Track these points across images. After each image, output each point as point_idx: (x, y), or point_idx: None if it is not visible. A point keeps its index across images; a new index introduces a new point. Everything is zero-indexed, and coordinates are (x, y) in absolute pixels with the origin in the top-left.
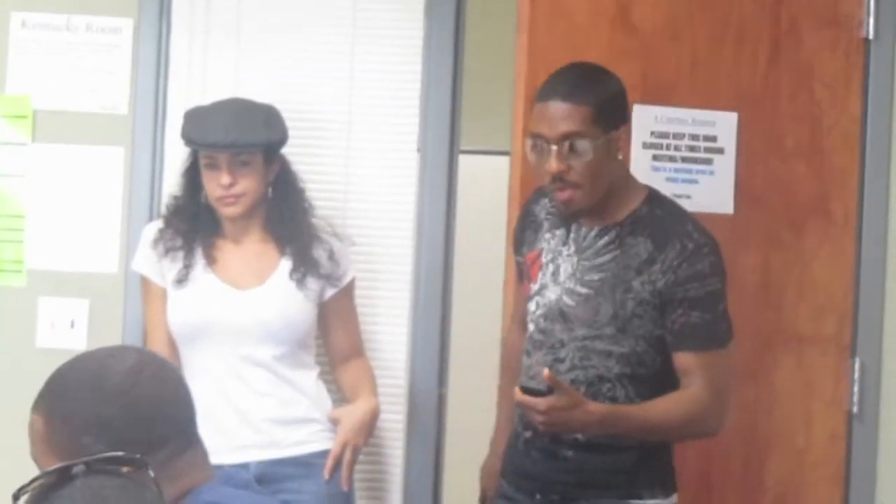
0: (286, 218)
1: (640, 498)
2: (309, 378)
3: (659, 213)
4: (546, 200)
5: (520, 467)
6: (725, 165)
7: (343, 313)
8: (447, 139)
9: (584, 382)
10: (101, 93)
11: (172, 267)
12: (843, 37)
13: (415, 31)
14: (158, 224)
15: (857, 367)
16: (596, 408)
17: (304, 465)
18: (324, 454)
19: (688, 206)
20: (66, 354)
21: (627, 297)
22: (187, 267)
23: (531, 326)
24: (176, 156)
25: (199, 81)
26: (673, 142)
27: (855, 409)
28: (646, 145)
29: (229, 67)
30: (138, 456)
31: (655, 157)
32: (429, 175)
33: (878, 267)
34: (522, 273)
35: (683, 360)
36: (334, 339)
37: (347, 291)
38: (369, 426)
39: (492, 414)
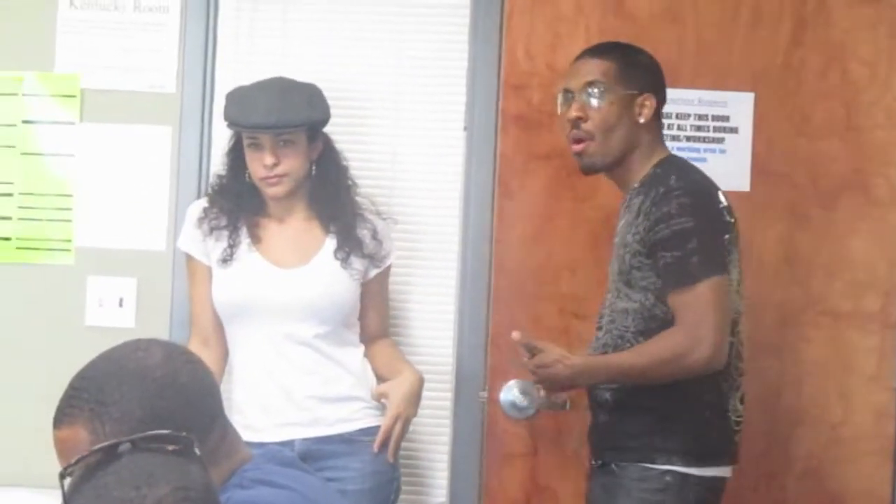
0: (330, 196)
1: (653, 462)
2: (354, 356)
3: (659, 171)
4: None
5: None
6: (740, 144)
7: (380, 294)
8: (493, 118)
9: (611, 346)
10: (149, 72)
11: (217, 246)
12: (887, 15)
13: (461, 10)
14: (203, 203)
15: None
16: (576, 360)
17: (349, 442)
18: (368, 431)
19: None
20: (115, 332)
21: (625, 252)
22: (232, 246)
23: None
24: (223, 135)
25: (246, 60)
26: (676, 122)
27: None
28: None
29: (276, 46)
30: (184, 434)
31: None
32: (475, 154)
33: None
34: None
35: (670, 302)
36: (367, 319)
37: (386, 274)
38: (418, 396)
39: None
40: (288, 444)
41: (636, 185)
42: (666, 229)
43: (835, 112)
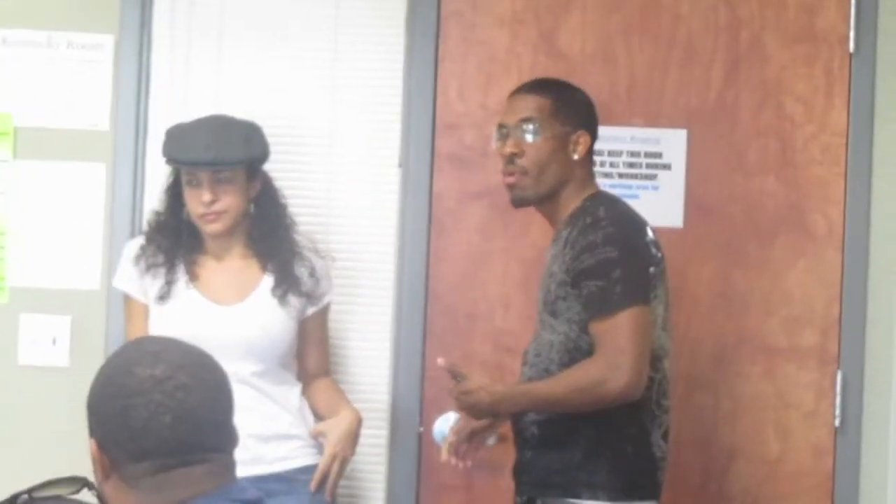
0: (268, 234)
1: (579, 497)
2: (292, 394)
3: (588, 204)
4: None
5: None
6: (673, 181)
7: (319, 332)
8: (428, 155)
9: (536, 379)
10: (83, 109)
11: (154, 283)
12: (824, 51)
13: (396, 47)
14: (140, 241)
15: (839, 379)
16: (497, 388)
17: (288, 481)
18: (307, 470)
19: None
20: (48, 371)
21: (551, 282)
22: (169, 283)
23: None
24: (157, 172)
25: (180, 97)
26: (609, 159)
27: (837, 423)
28: None
29: (210, 83)
30: (77, 476)
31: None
32: (410, 191)
33: (859, 278)
34: None
35: (591, 331)
36: (307, 358)
37: (324, 312)
38: (356, 436)
39: None
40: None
41: (566, 219)
42: (591, 258)
43: (770, 148)
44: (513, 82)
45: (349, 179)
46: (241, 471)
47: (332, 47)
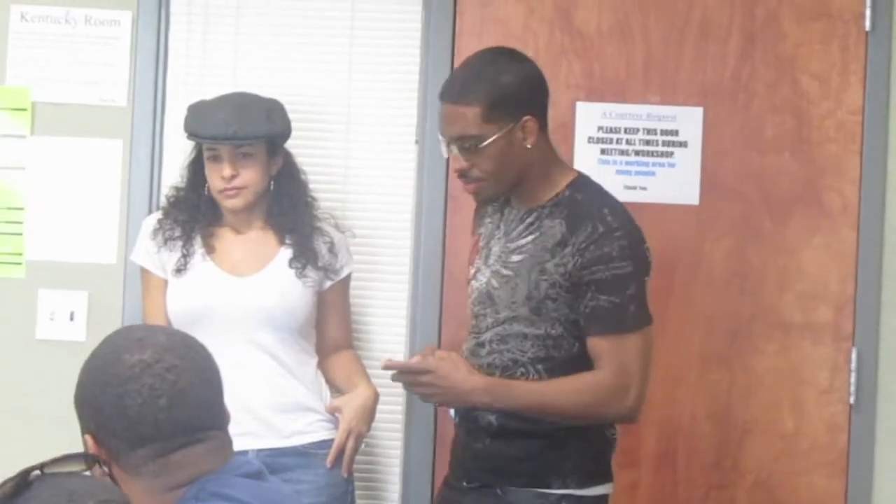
0: (288, 211)
1: (548, 487)
2: (308, 367)
3: (579, 196)
4: None
5: (453, 454)
6: (689, 158)
7: (339, 305)
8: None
9: (499, 367)
10: (100, 85)
11: (171, 257)
12: (839, 29)
13: (413, 23)
14: (157, 215)
15: (853, 356)
16: (480, 377)
17: (304, 455)
18: (323, 444)
19: (644, 197)
20: (66, 346)
21: (541, 279)
22: (186, 256)
23: (468, 312)
24: (175, 148)
25: (197, 73)
26: (625, 136)
27: (852, 399)
28: (591, 140)
29: (228, 59)
30: (89, 453)
31: (604, 152)
32: (427, 167)
33: (874, 256)
34: None
35: (594, 344)
36: (328, 329)
37: (345, 284)
38: (372, 412)
39: None
40: (243, 453)
41: (548, 205)
42: (605, 272)
43: (786, 126)
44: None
45: (366, 156)
46: (258, 443)
47: (350, 24)
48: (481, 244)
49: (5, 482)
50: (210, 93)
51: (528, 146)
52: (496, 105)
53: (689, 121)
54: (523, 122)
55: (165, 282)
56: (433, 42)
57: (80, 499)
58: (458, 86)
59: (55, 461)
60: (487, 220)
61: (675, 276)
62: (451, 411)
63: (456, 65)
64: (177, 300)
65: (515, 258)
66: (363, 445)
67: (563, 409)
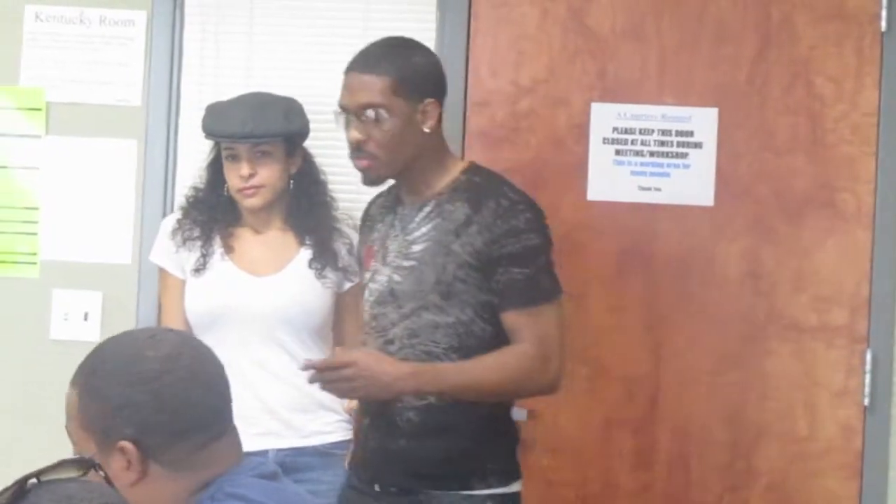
0: (307, 211)
1: (472, 489)
2: None
3: (477, 179)
4: (381, 199)
5: (360, 456)
6: (704, 159)
7: (356, 307)
8: (460, 131)
9: (412, 361)
10: (115, 85)
11: (190, 257)
12: (854, 30)
13: (428, 23)
14: (177, 216)
15: (868, 358)
16: (405, 364)
17: (324, 455)
18: (342, 444)
19: (659, 198)
20: (80, 346)
21: (448, 261)
22: (205, 256)
23: (366, 317)
24: (189, 148)
25: (212, 74)
26: (640, 137)
27: (866, 402)
28: (606, 141)
29: (242, 60)
30: (87, 457)
31: (619, 153)
32: None
33: (889, 258)
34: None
35: (510, 318)
36: (345, 331)
37: (362, 286)
38: None
39: None
40: (262, 453)
41: (446, 191)
42: (516, 244)
43: (800, 127)
44: (543, 59)
45: None
46: (277, 442)
47: (364, 24)
48: (376, 248)
49: (3, 492)
50: (224, 93)
51: (426, 129)
52: (405, 81)
53: (703, 122)
54: (426, 103)
55: (183, 282)
56: (447, 43)
57: (78, 503)
58: (371, 58)
59: (51, 468)
60: (378, 224)
61: (689, 277)
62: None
63: (470, 66)
64: (196, 300)
65: (417, 248)
66: None
67: (491, 385)
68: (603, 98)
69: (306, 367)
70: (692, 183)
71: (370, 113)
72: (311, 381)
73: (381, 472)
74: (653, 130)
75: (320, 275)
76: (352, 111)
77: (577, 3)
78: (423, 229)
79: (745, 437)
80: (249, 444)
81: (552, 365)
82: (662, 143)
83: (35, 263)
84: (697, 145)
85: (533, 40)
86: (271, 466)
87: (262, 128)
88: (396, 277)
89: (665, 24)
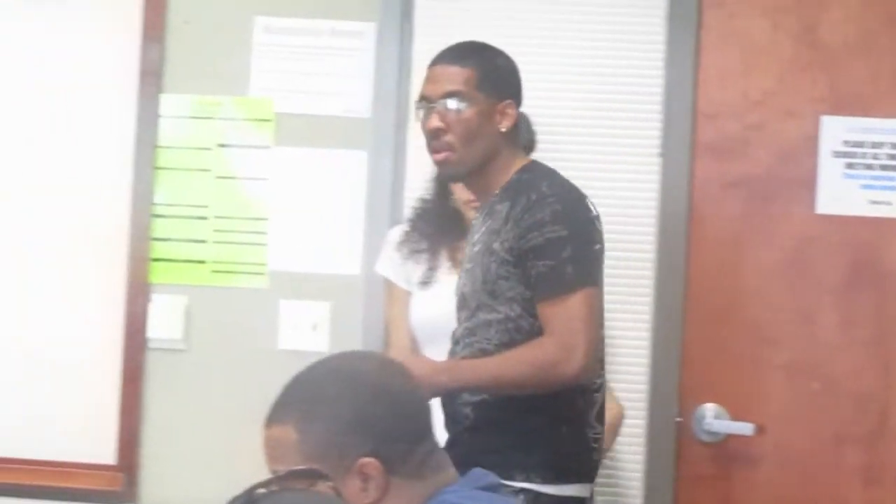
0: None
1: (511, 479)
2: None
3: (525, 177)
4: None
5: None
6: None
7: None
8: (688, 145)
9: (471, 358)
10: (344, 96)
11: (417, 269)
12: None
13: (656, 37)
14: (404, 227)
15: None
16: (436, 361)
17: None
18: None
19: (890, 212)
20: (309, 357)
21: (491, 261)
22: (432, 269)
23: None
24: (417, 159)
25: None
26: (871, 150)
27: None
28: (837, 154)
29: None
30: (316, 468)
31: (850, 166)
32: (670, 179)
33: None
34: None
35: (541, 311)
36: None
37: None
38: (617, 429)
39: None
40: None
41: (497, 192)
42: (539, 237)
43: None
44: (774, 72)
45: (608, 169)
46: None
47: (593, 37)
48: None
49: (232, 501)
50: None
51: (503, 129)
52: (488, 77)
53: None
54: (505, 104)
55: (408, 293)
56: (676, 55)
57: None
58: (456, 52)
59: (280, 478)
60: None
61: None
62: None
63: (700, 78)
64: (422, 313)
65: (476, 249)
66: (606, 460)
67: (514, 377)
68: (833, 111)
69: None
70: None
71: (451, 102)
72: None
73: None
74: (883, 144)
75: None
76: (434, 100)
77: (808, 15)
78: (481, 231)
79: None
80: None
81: (575, 355)
82: (894, 157)
83: (263, 274)
84: None
85: (763, 52)
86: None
87: None
88: (464, 279)
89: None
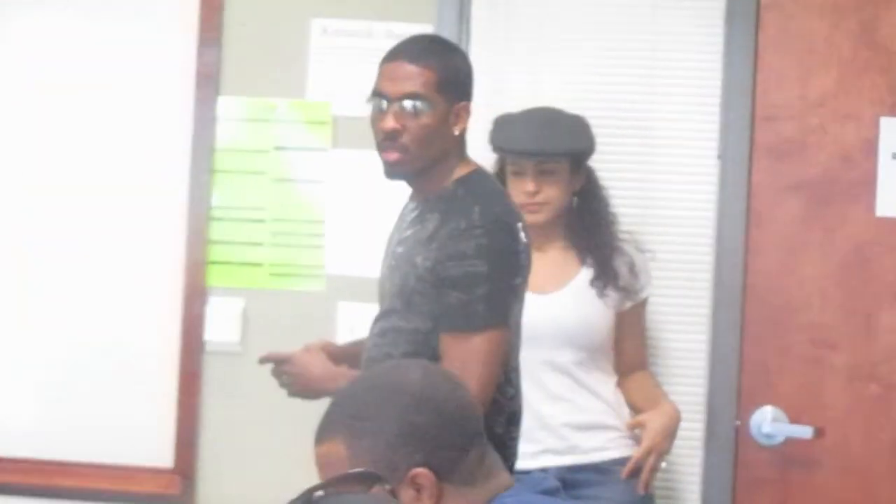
0: (589, 228)
1: None
2: (607, 385)
3: (460, 192)
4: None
5: None
6: None
7: (636, 325)
8: (746, 147)
9: (375, 360)
10: None
11: None
12: None
13: (715, 37)
14: None
15: None
16: (333, 367)
17: (602, 471)
18: (622, 461)
19: None
20: None
21: (411, 273)
22: None
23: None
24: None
25: (498, 87)
26: None
27: None
28: (895, 156)
29: (528, 73)
30: (371, 471)
31: None
32: (729, 182)
33: None
34: None
35: (441, 341)
36: (625, 350)
37: (643, 305)
38: (674, 431)
39: None
40: (544, 471)
41: (432, 198)
42: (458, 268)
43: None
44: (832, 74)
45: (667, 171)
46: (557, 460)
47: (651, 39)
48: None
49: (291, 502)
50: (510, 106)
51: (456, 132)
52: (447, 79)
53: None
54: (460, 105)
55: None
56: (735, 56)
57: None
58: (417, 49)
59: (337, 480)
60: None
61: None
62: None
63: (758, 80)
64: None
65: (399, 250)
66: (663, 464)
67: None
68: (892, 112)
69: (262, 361)
70: None
71: (409, 104)
72: (272, 374)
73: None
74: None
75: (602, 294)
76: (392, 99)
77: (867, 17)
78: (407, 233)
79: None
80: (531, 461)
81: None
82: None
83: (321, 276)
84: None
85: (821, 54)
86: (553, 482)
87: (550, 146)
88: (385, 272)
89: None
